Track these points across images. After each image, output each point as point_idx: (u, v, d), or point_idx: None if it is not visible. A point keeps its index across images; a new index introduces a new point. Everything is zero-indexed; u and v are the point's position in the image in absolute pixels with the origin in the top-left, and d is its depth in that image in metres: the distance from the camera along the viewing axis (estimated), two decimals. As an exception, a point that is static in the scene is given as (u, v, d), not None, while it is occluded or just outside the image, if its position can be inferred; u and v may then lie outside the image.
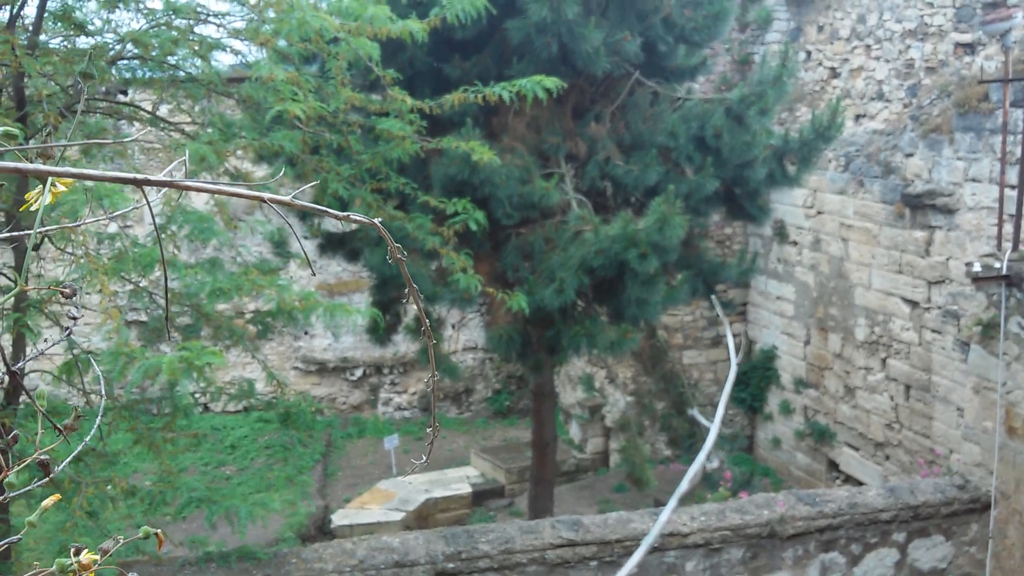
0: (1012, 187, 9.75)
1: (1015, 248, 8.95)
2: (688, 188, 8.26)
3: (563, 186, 8.25)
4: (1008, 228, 9.50)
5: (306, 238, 8.72)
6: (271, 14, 4.90)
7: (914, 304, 11.37)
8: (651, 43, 8.28)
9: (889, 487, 8.78)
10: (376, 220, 1.03)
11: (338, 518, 12.23)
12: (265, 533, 10.63)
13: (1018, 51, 10.48)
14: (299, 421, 6.74)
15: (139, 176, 0.92)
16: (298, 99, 4.88)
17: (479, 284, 6.65)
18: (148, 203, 0.96)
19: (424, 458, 1.33)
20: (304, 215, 8.58)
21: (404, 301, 8.92)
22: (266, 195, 0.93)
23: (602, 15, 7.81)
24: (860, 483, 11.98)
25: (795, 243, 13.79)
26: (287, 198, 0.93)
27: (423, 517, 12.51)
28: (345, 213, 1.07)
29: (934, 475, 9.67)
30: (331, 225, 8.59)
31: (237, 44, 5.57)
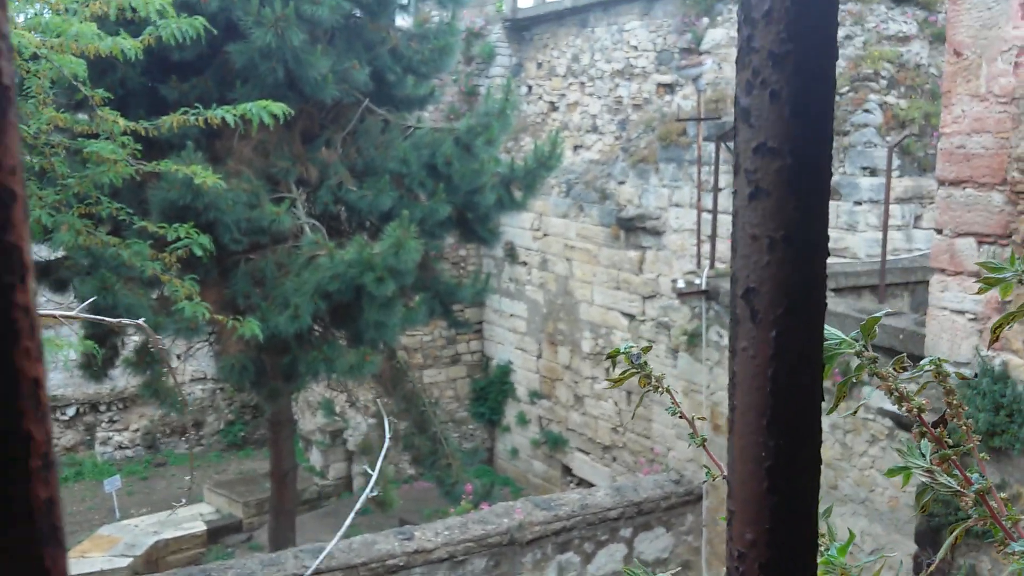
0: (708, 211, 10.98)
1: (712, 266, 10.08)
2: (422, 213, 8.48)
3: (295, 211, 8.14)
4: (706, 248, 10.68)
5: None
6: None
7: (631, 317, 12.41)
8: (380, 73, 8.43)
9: (616, 487, 9.51)
10: (140, 320, 1.01)
11: (53, 573, 11.09)
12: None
13: (710, 92, 11.85)
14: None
15: None
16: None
17: (207, 312, 6.38)
18: None
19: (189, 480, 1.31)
20: None
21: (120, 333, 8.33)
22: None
23: (329, 43, 7.83)
24: (591, 485, 12.85)
25: (525, 263, 14.55)
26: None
27: (152, 561, 11.67)
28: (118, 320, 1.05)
29: (654, 472, 10.62)
30: (33, 253, 7.84)
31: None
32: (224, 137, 7.57)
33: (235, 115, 5.86)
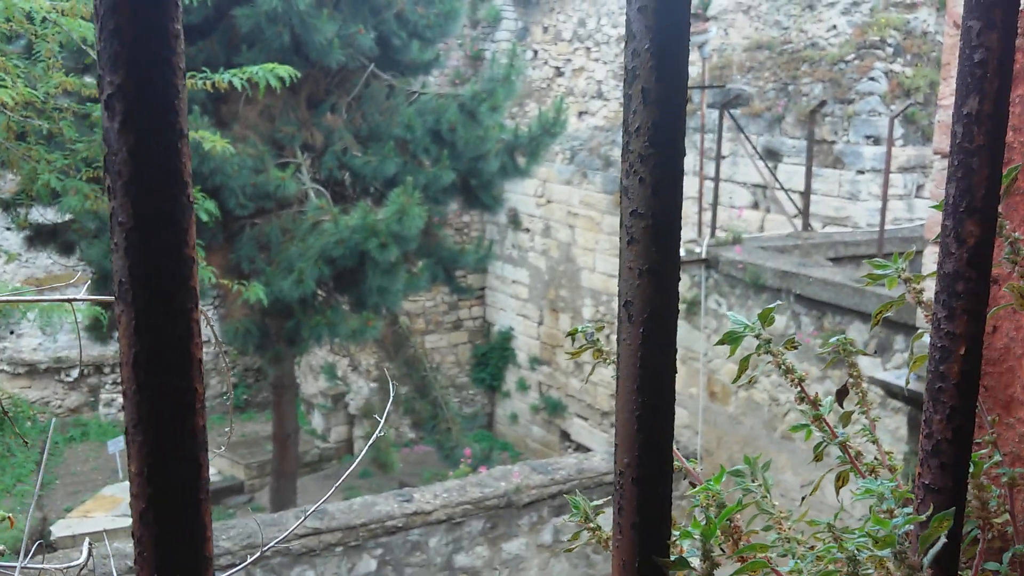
0: (711, 179, 10.99)
1: (712, 235, 10.12)
2: (426, 179, 8.49)
3: (300, 176, 8.16)
4: (707, 217, 10.70)
5: (9, 229, 7.92)
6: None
7: (631, 286, 12.46)
8: (385, 37, 8.39)
9: (612, 451, 9.63)
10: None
11: (59, 529, 11.26)
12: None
13: (715, 59, 11.80)
14: (19, 425, 6.15)
15: None
16: (5, 85, 4.45)
17: (212, 276, 6.43)
18: None
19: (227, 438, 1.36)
20: (7, 204, 7.79)
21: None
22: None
23: (335, 7, 7.78)
24: (589, 450, 12.99)
25: (528, 230, 14.58)
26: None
27: (156, 522, 11.83)
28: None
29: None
30: (40, 216, 7.86)
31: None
32: (230, 102, 7.56)
33: (242, 79, 5.85)
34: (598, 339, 1.38)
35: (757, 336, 1.30)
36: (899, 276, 1.35)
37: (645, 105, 0.66)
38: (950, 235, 0.87)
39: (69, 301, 1.23)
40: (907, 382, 2.01)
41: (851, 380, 1.46)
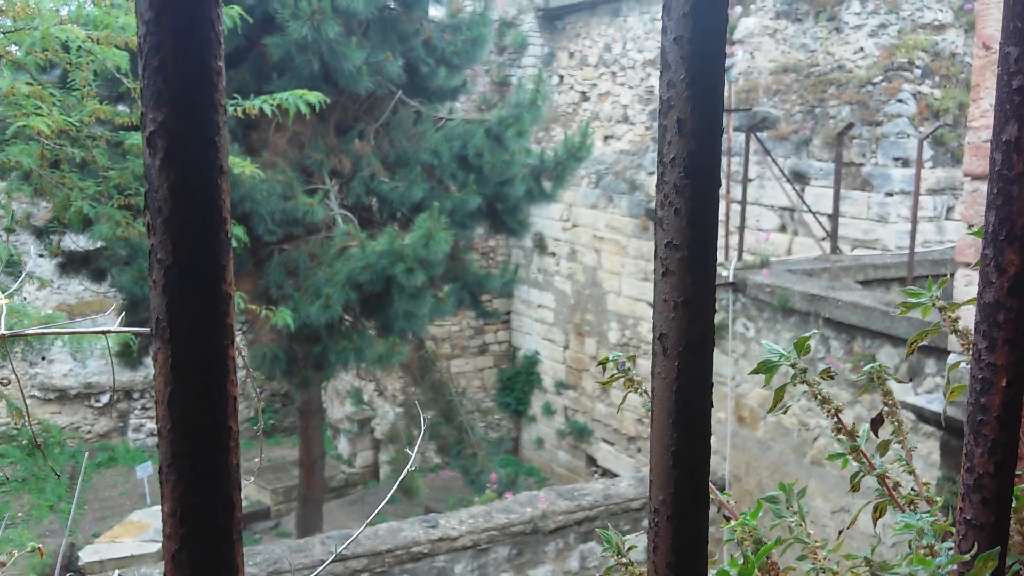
0: (738, 202, 10.94)
1: (739, 258, 10.05)
2: (452, 204, 8.53)
3: (328, 202, 8.22)
4: (734, 240, 10.64)
5: (42, 256, 8.05)
6: (7, 22, 4.52)
7: (658, 310, 12.40)
8: (413, 64, 8.47)
9: (638, 477, 9.53)
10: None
11: (87, 554, 11.32)
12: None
13: (741, 82, 11.79)
14: (49, 452, 6.21)
15: None
16: (41, 113, 4.53)
17: (242, 301, 6.49)
18: None
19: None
20: (41, 232, 7.92)
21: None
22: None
23: (364, 35, 7.88)
24: (615, 475, 12.88)
25: (553, 254, 14.58)
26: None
27: (184, 546, 11.85)
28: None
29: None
30: (72, 243, 7.99)
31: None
32: (260, 129, 7.66)
33: (272, 105, 5.93)
34: (629, 368, 1.38)
35: (792, 365, 1.30)
36: (933, 304, 1.33)
37: (680, 136, 0.66)
38: (990, 264, 0.85)
39: (103, 333, 1.24)
40: (944, 411, 1.98)
41: (886, 409, 1.45)
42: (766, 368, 1.28)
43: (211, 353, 0.54)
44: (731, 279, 9.70)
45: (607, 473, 13.48)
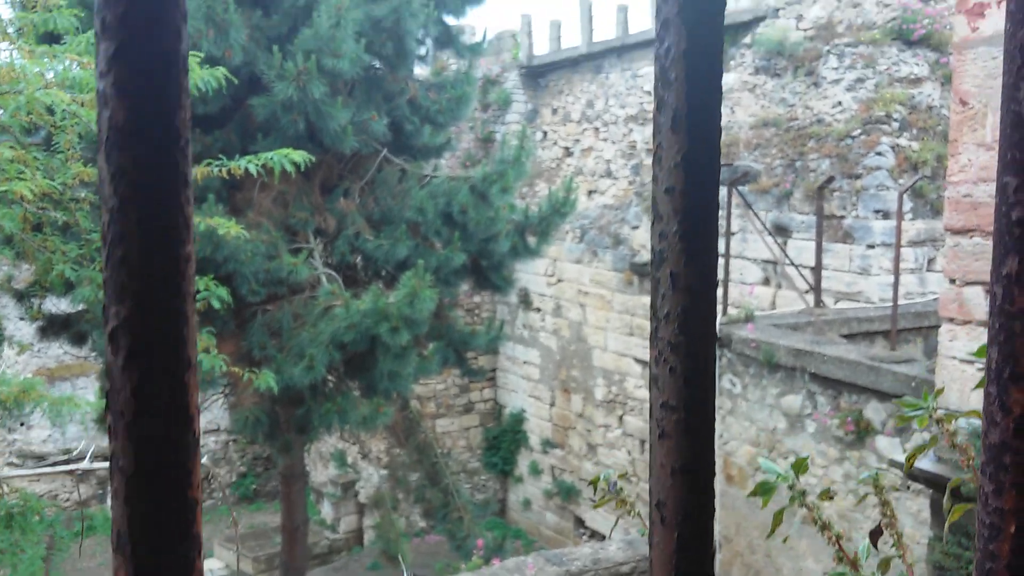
0: (722, 256, 10.97)
1: (724, 312, 10.03)
2: (437, 261, 8.48)
3: (312, 261, 8.15)
4: (719, 293, 10.64)
5: (22, 319, 7.90)
6: (-10, 86, 4.48)
7: (645, 363, 12.33)
8: (398, 123, 8.50)
9: (627, 540, 9.34)
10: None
11: (61, 630, 10.90)
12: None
13: (723, 137, 11.93)
14: (24, 523, 5.99)
15: None
16: (24, 177, 4.47)
17: (223, 364, 6.34)
18: None
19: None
20: (21, 295, 7.78)
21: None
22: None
23: (349, 95, 7.91)
24: (604, 537, 12.64)
25: (539, 309, 14.52)
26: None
27: (162, 618, 11.46)
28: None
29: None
30: (53, 306, 7.85)
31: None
32: (244, 188, 7.61)
33: (257, 164, 5.88)
34: (621, 488, 1.36)
35: (791, 487, 1.29)
36: (930, 415, 1.33)
37: (675, 291, 0.64)
38: (994, 403, 0.80)
39: (71, 472, 1.15)
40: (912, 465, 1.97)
41: (885, 520, 1.43)
42: (763, 490, 1.25)
43: (177, 568, 0.50)
44: (717, 334, 9.64)
45: (596, 535, 13.24)
